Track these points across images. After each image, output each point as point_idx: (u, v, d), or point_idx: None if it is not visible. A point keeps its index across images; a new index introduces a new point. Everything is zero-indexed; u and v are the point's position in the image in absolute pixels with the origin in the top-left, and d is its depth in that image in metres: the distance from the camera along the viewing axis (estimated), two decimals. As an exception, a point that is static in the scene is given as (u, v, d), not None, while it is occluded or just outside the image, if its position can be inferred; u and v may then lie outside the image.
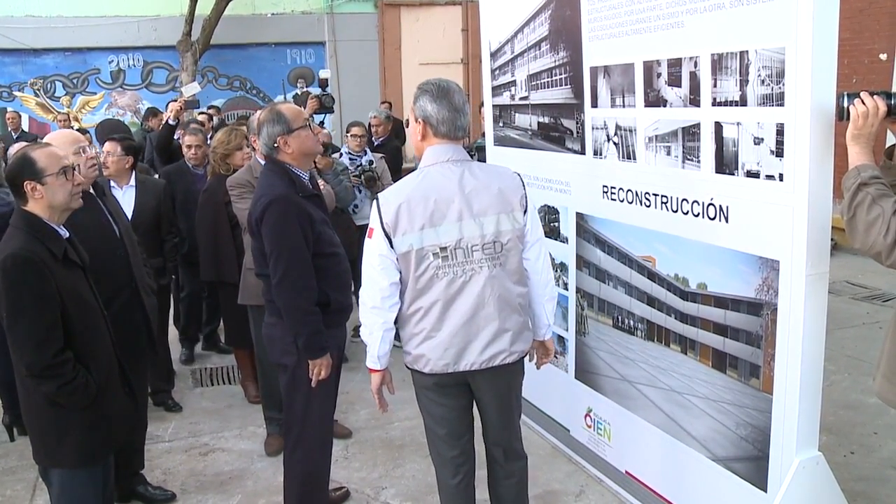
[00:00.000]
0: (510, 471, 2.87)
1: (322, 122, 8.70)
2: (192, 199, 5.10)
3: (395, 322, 2.70)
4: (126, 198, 4.45)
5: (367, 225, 5.80)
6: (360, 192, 5.62)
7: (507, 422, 2.80)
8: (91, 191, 3.38)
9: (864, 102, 2.30)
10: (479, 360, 2.61)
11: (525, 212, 2.63)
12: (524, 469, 2.91)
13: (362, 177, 5.57)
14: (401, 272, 2.60)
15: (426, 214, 2.53)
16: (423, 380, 2.71)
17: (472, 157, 5.81)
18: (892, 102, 2.29)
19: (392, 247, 2.56)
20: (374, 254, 2.60)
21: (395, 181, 5.86)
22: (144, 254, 4.40)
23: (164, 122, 6.52)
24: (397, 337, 2.73)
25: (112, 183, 4.36)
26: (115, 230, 3.49)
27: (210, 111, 10.29)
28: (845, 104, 2.33)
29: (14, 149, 4.58)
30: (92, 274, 2.87)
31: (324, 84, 6.78)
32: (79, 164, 3.23)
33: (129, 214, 4.40)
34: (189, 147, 5.45)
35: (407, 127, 3.59)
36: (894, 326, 2.42)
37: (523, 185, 2.66)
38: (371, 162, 5.65)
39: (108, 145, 4.41)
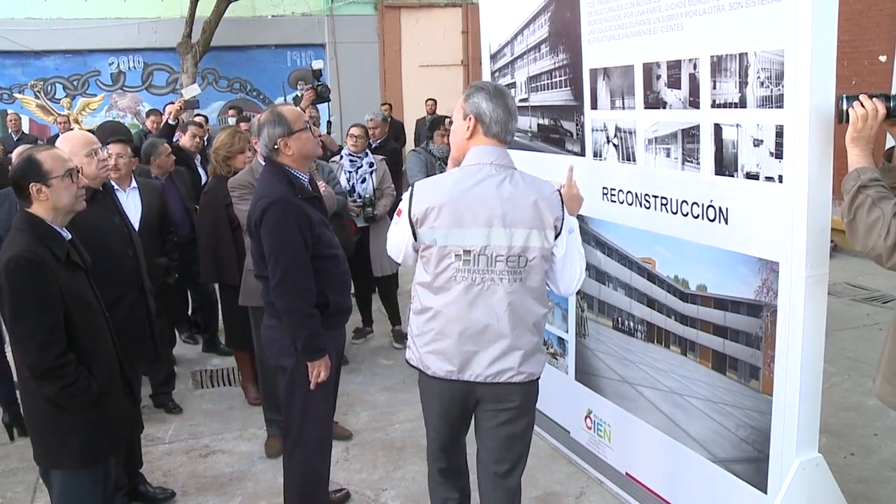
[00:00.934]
0: None
1: (329, 129, 8.72)
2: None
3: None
4: (131, 200, 4.46)
5: (368, 227, 5.86)
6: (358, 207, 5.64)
7: (506, 453, 2.66)
8: (101, 190, 3.40)
9: (863, 105, 2.30)
10: (484, 373, 2.53)
11: (558, 234, 2.51)
12: None
13: (363, 210, 5.59)
14: (416, 253, 2.58)
15: (457, 214, 2.47)
16: (428, 382, 2.66)
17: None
18: (892, 105, 2.29)
19: (416, 237, 2.54)
20: (398, 237, 2.61)
21: (394, 183, 5.92)
22: (152, 254, 4.43)
23: (164, 123, 6.53)
24: (400, 340, 2.72)
25: (115, 185, 4.35)
26: (126, 230, 3.52)
27: (232, 112, 10.31)
28: (845, 107, 2.34)
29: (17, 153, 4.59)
30: (103, 272, 2.88)
31: (317, 75, 6.79)
32: (91, 165, 3.25)
33: (138, 216, 4.43)
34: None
35: (449, 125, 3.67)
36: (894, 328, 2.43)
37: (562, 206, 2.54)
38: (372, 201, 5.63)
39: (117, 147, 4.37)
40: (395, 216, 2.63)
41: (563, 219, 2.53)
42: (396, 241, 2.63)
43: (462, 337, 2.52)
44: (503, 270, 2.48)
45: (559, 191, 2.59)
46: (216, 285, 5.61)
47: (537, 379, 2.64)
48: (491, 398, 2.60)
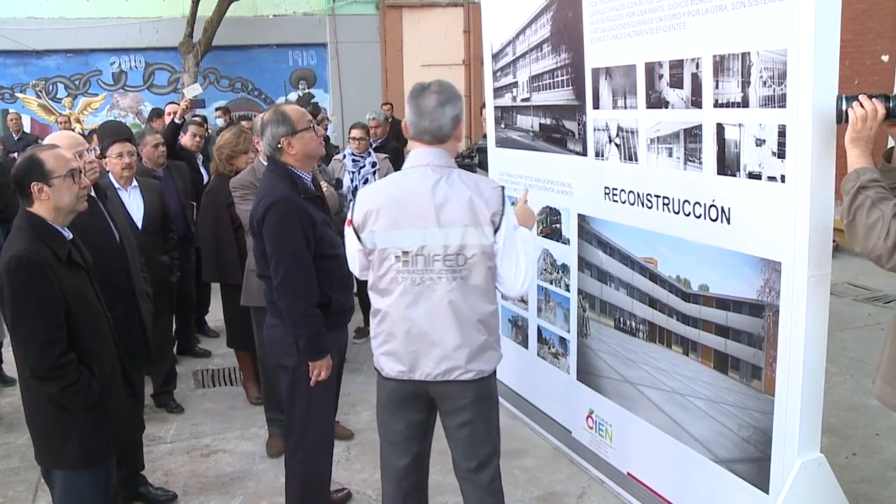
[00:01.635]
0: None
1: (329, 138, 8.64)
2: None
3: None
4: (133, 199, 4.46)
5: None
6: None
7: (470, 450, 2.68)
8: (93, 194, 3.38)
9: (862, 105, 2.29)
10: (433, 371, 2.56)
11: (497, 230, 2.50)
12: None
13: None
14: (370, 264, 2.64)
15: (393, 216, 2.53)
16: (382, 384, 2.71)
17: (472, 158, 5.81)
18: (891, 105, 2.28)
19: (361, 242, 2.61)
20: (350, 247, 2.69)
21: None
22: (155, 252, 4.42)
23: (170, 122, 6.53)
24: None
25: (116, 185, 4.36)
26: (115, 236, 3.48)
27: (218, 113, 10.33)
28: (844, 107, 2.33)
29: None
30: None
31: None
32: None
33: (141, 215, 4.44)
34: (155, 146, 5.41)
35: None
36: (894, 329, 2.42)
37: (503, 202, 2.52)
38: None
39: (126, 146, 4.38)
40: (345, 226, 2.68)
41: (502, 214, 2.51)
42: (350, 251, 2.70)
43: (408, 337, 2.56)
44: (441, 269, 2.51)
45: (502, 187, 2.58)
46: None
47: (489, 376, 2.65)
48: (444, 397, 2.63)
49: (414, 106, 2.55)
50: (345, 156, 5.82)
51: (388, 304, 2.59)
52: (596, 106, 3.45)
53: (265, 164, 3.48)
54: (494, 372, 2.68)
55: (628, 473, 3.53)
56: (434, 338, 2.54)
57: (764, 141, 2.62)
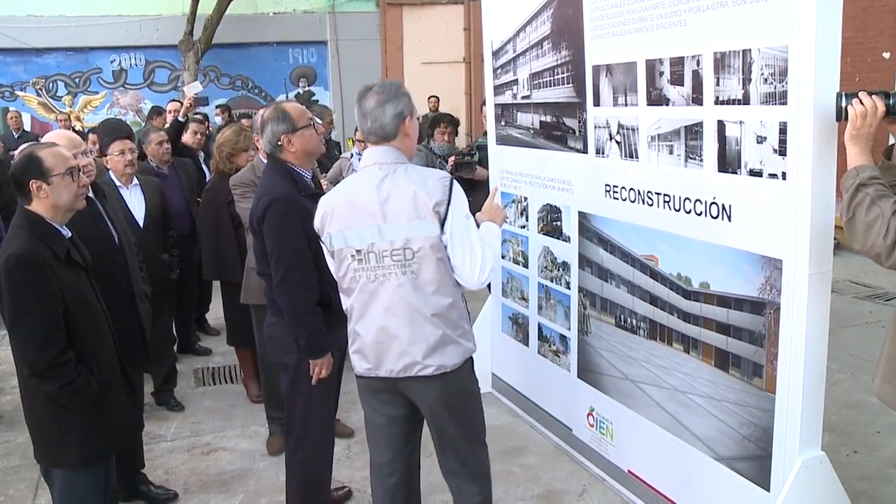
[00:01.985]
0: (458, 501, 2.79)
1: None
2: None
3: None
4: (134, 197, 4.47)
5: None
6: None
7: (446, 444, 2.72)
8: (90, 194, 3.37)
9: (862, 102, 2.28)
10: (395, 367, 2.59)
11: (444, 221, 2.48)
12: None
13: None
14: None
15: (344, 216, 2.57)
16: (358, 382, 2.76)
17: (472, 156, 5.78)
18: (891, 102, 2.27)
19: (324, 244, 2.67)
20: (324, 248, 2.73)
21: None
22: (155, 250, 4.42)
23: (173, 120, 6.53)
24: None
25: (118, 183, 4.36)
26: (114, 237, 3.47)
27: (217, 111, 10.33)
28: (843, 104, 2.32)
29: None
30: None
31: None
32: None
33: (142, 213, 4.44)
34: (160, 144, 5.38)
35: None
36: (893, 327, 2.41)
37: (449, 193, 2.49)
38: None
39: (128, 143, 4.39)
40: None
41: (447, 203, 2.49)
42: (326, 256, 2.74)
43: (370, 334, 2.61)
44: (391, 265, 2.54)
45: (451, 179, 2.57)
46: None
47: (456, 371, 2.61)
48: (412, 394, 2.66)
49: (357, 108, 2.59)
50: (352, 155, 5.82)
51: (350, 303, 2.65)
52: (596, 103, 3.44)
53: (265, 161, 3.48)
54: (467, 365, 2.66)
55: (629, 471, 3.53)
56: (392, 334, 2.57)
57: (765, 138, 2.61)
